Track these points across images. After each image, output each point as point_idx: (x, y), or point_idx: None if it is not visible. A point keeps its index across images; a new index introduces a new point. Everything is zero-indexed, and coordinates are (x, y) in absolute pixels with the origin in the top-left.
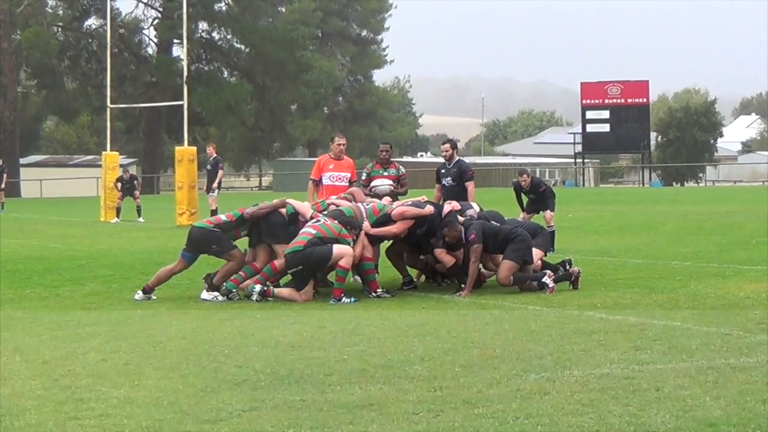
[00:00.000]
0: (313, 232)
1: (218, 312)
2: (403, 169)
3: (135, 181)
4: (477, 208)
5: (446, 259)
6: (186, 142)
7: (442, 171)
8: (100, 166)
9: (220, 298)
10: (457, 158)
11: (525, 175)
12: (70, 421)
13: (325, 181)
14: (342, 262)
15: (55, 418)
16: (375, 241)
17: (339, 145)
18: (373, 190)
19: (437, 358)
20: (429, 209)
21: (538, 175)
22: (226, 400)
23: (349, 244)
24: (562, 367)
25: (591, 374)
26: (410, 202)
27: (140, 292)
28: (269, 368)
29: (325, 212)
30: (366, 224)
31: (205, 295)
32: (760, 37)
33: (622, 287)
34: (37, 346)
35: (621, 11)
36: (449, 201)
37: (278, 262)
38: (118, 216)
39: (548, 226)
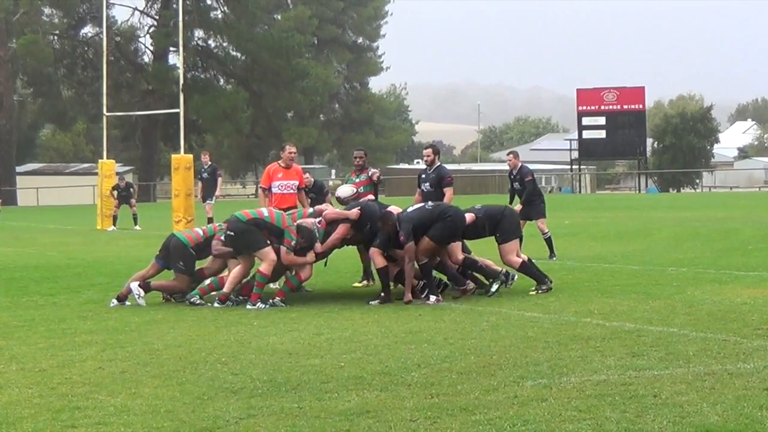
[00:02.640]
0: (265, 214)
1: (215, 320)
2: (372, 170)
3: (131, 189)
4: None
5: (377, 260)
6: (182, 149)
7: (422, 176)
8: (96, 174)
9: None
10: (438, 164)
11: (512, 155)
12: (67, 430)
13: (275, 190)
14: (262, 268)
15: (52, 426)
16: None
17: (290, 153)
18: (337, 197)
19: (434, 365)
20: (354, 212)
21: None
22: (223, 408)
23: (291, 239)
24: (559, 373)
25: (588, 381)
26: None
27: (115, 300)
28: (266, 376)
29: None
30: (317, 245)
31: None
32: (755, 42)
33: (619, 293)
34: (34, 355)
35: (617, 18)
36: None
37: (228, 275)
38: (114, 224)
39: (543, 233)
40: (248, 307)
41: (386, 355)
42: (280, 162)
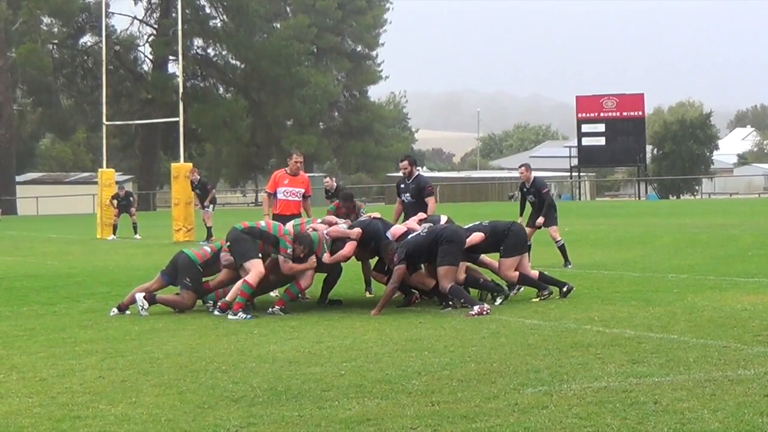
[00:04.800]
0: (262, 224)
1: (215, 328)
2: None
3: (131, 198)
4: (444, 219)
5: (429, 282)
6: (182, 158)
7: (402, 186)
8: (96, 183)
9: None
10: (417, 174)
11: (524, 168)
12: None
13: (280, 196)
14: (248, 277)
15: None
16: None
17: (296, 162)
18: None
19: (434, 372)
20: (356, 231)
21: None
22: (223, 417)
23: (286, 247)
24: (560, 380)
25: (588, 388)
26: (342, 225)
27: (115, 309)
28: (267, 384)
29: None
30: (326, 255)
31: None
32: (755, 49)
33: (619, 300)
34: (34, 364)
35: (616, 25)
36: (417, 215)
37: (212, 283)
38: (114, 233)
39: (555, 241)
40: (230, 317)
41: (387, 363)
42: (286, 169)
